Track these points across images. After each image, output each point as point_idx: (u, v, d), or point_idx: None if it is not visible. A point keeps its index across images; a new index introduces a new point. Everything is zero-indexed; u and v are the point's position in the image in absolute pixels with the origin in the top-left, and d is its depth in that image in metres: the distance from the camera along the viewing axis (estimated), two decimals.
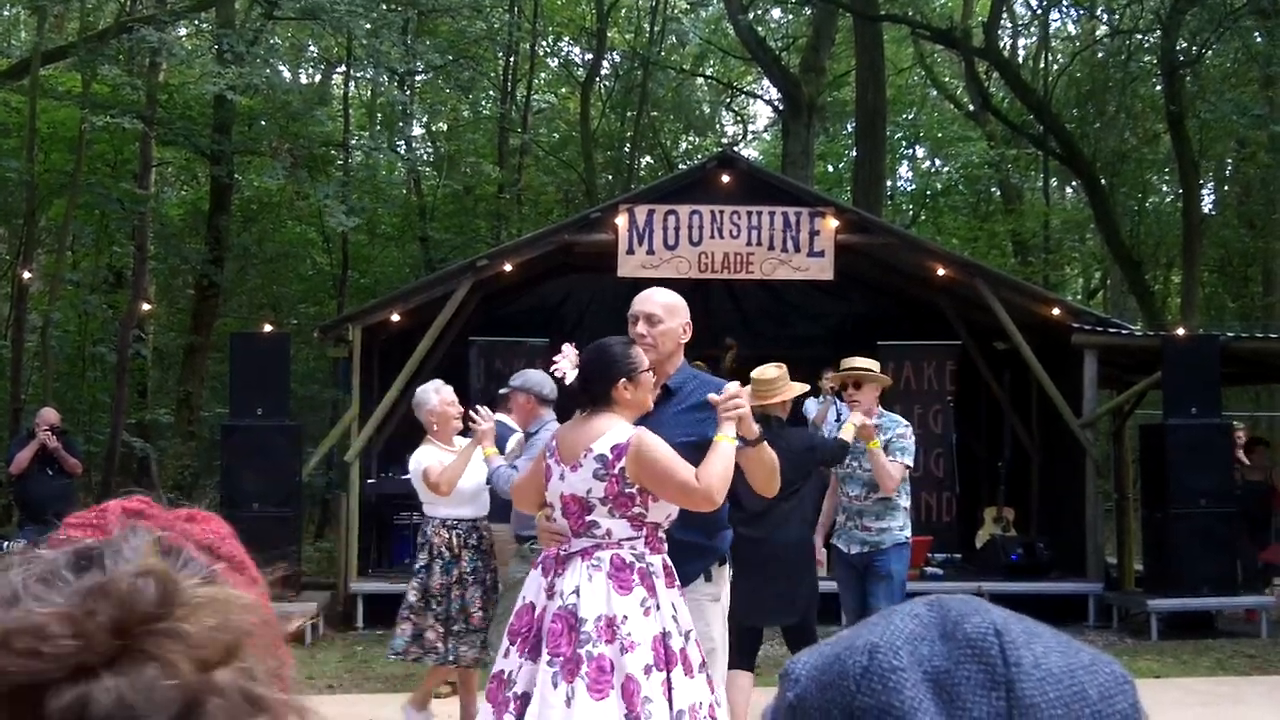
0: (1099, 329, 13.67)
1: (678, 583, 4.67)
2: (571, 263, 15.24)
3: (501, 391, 8.33)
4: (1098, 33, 29.88)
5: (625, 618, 4.39)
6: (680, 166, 24.60)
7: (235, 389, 12.97)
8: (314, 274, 26.30)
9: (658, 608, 4.47)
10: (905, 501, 7.64)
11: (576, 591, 4.45)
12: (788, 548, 7.23)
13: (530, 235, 15.18)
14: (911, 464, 7.70)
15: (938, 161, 34.21)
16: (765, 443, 4.87)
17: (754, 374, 7.46)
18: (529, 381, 7.61)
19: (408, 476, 8.02)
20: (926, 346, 15.21)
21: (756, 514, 6.90)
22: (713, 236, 13.65)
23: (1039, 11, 30.27)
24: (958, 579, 13.18)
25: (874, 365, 7.96)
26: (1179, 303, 25.92)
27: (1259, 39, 22.44)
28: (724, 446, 4.57)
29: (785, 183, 15.12)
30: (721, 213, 13.66)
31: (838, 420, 13.49)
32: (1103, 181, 25.22)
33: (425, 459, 7.55)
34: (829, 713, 0.96)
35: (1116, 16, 28.24)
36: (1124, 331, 14.15)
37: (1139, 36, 26.55)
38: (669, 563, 4.65)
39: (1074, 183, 29.90)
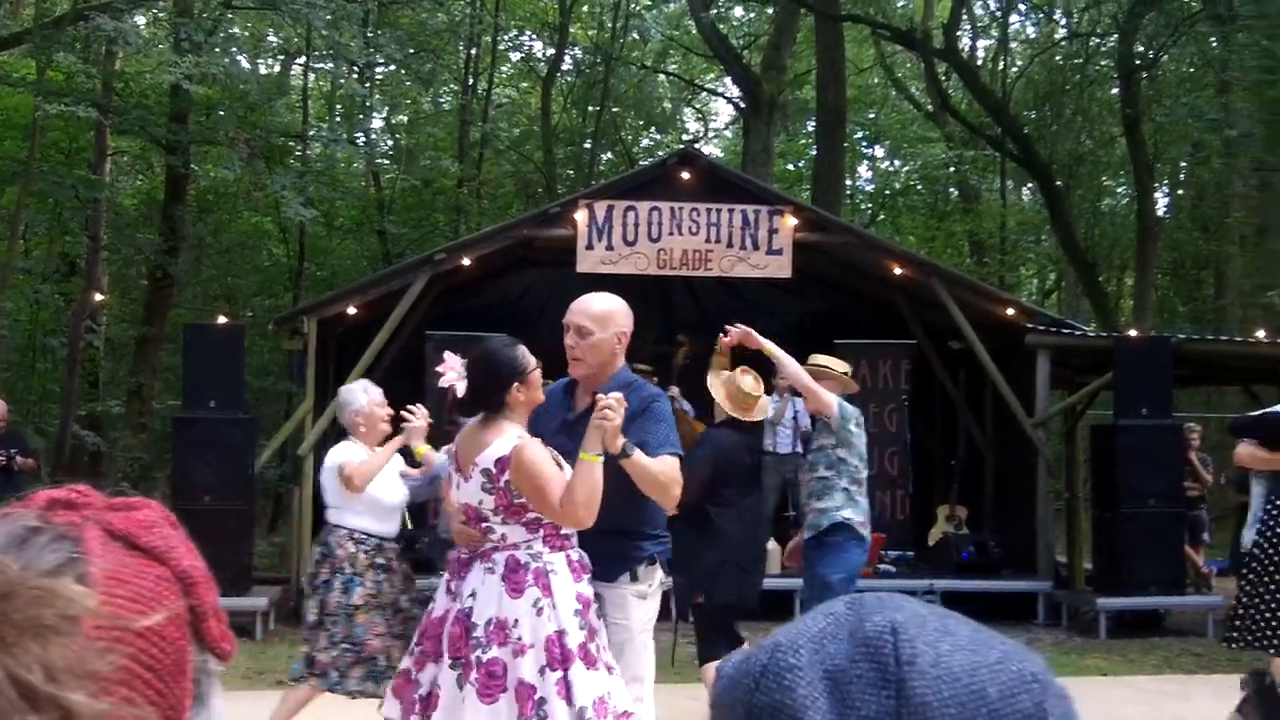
0: (1052, 329, 13.75)
1: (587, 575, 4.64)
2: (531, 258, 15.22)
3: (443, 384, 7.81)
4: (1056, 36, 30.06)
5: (516, 621, 4.38)
6: (641, 163, 24.59)
7: (188, 381, 12.86)
8: (270, 266, 26.16)
9: (554, 606, 4.43)
10: (844, 482, 7.52)
11: (474, 595, 4.47)
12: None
13: (489, 229, 15.15)
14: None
15: (897, 161, 34.36)
16: (634, 455, 4.64)
17: (732, 380, 7.54)
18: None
19: None
20: (883, 345, 15.26)
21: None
22: (672, 233, 13.65)
23: (998, 14, 30.46)
24: (911, 576, 13.24)
25: (835, 364, 7.91)
26: (1132, 304, 26.12)
27: (1214, 44, 22.62)
28: (584, 464, 4.42)
29: (745, 180, 15.13)
30: (681, 209, 13.66)
31: (794, 418, 13.59)
32: (1059, 183, 25.39)
33: (345, 453, 6.94)
34: (733, 710, 0.97)
35: (1075, 20, 28.46)
36: (1077, 332, 14.23)
37: (1097, 40, 26.74)
38: (576, 556, 4.63)
39: (1030, 184, 30.04)
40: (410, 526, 7.70)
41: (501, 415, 4.65)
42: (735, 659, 1.00)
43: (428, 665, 4.47)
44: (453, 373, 4.73)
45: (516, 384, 4.65)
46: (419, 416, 6.71)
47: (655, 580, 5.08)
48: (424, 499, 7.61)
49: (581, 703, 4.31)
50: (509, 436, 4.57)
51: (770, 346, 7.43)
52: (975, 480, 15.35)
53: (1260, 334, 14.36)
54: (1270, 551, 6.90)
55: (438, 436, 7.28)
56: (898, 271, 14.17)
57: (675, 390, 13.35)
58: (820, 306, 16.21)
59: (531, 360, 4.74)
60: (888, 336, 15.33)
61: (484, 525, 4.57)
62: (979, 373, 14.41)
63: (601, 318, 4.98)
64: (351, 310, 13.76)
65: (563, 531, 4.59)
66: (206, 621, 1.00)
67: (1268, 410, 7.51)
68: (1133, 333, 14.59)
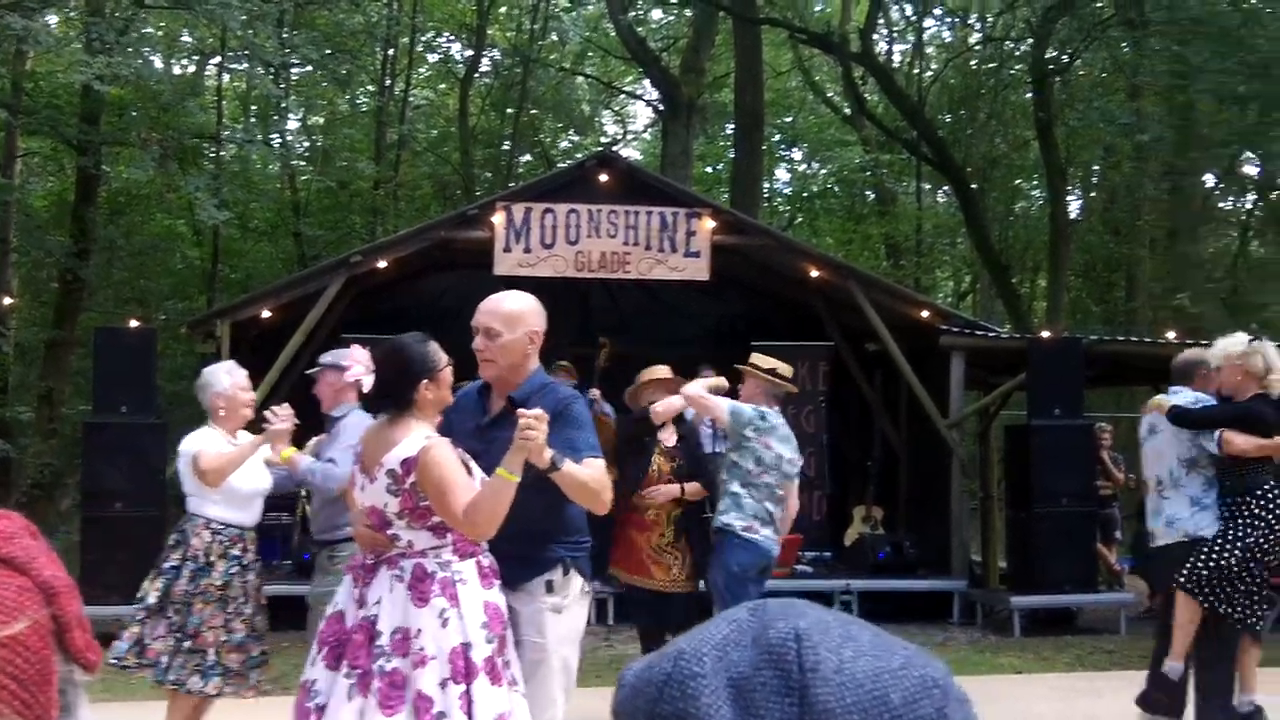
0: (967, 331, 13.87)
1: (498, 583, 4.52)
2: (448, 260, 15.15)
3: (309, 371, 7.23)
4: (971, 40, 30.36)
5: (419, 631, 4.26)
6: (559, 165, 24.58)
7: (99, 385, 12.68)
8: (183, 268, 25.85)
9: (460, 617, 4.32)
10: (734, 485, 7.51)
11: (379, 602, 4.33)
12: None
13: (406, 231, 15.08)
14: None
15: (814, 164, 34.53)
16: (564, 467, 4.51)
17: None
18: (341, 359, 6.64)
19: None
20: (800, 347, 15.30)
21: None
22: (590, 235, 13.64)
23: (914, 18, 30.69)
24: (828, 577, 13.31)
25: (766, 363, 7.89)
26: (1045, 306, 26.42)
27: (1126, 49, 22.90)
28: (500, 481, 4.26)
29: (663, 183, 15.16)
30: (599, 212, 13.66)
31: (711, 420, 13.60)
32: (973, 186, 25.62)
33: (200, 442, 6.63)
34: (635, 718, 0.97)
35: (989, 25, 28.75)
36: (991, 334, 14.38)
37: (1011, 45, 27.02)
38: (487, 562, 4.54)
39: (946, 187, 30.30)
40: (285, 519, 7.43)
41: (409, 414, 4.50)
42: (636, 667, 1.00)
43: (327, 675, 4.33)
44: (360, 366, 4.61)
45: (425, 381, 4.51)
46: (281, 418, 6.46)
47: (574, 590, 4.91)
48: (289, 489, 7.41)
49: (482, 718, 4.20)
50: (416, 436, 4.43)
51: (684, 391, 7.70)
52: (891, 481, 15.47)
53: (1170, 335, 14.56)
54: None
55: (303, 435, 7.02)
56: (815, 274, 14.24)
57: (596, 393, 13.34)
58: (738, 309, 16.28)
59: (443, 358, 4.62)
60: (805, 338, 15.39)
61: (389, 531, 4.42)
62: (895, 374, 14.52)
63: (511, 318, 4.87)
64: (266, 313, 13.64)
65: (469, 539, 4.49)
66: (70, 632, 0.99)
67: (1204, 402, 7.53)
68: (1045, 334, 14.74)
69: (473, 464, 4.52)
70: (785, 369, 7.74)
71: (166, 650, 6.48)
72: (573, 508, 4.79)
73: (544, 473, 4.44)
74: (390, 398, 4.55)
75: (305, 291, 13.66)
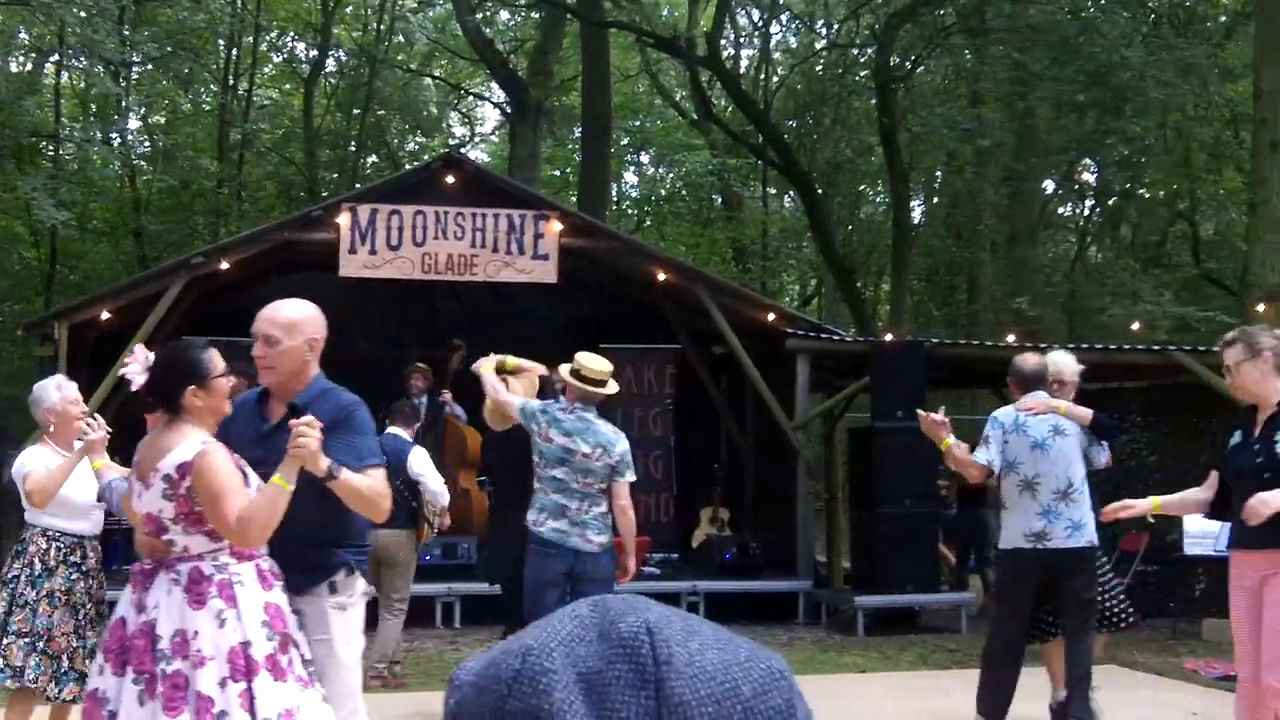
0: (812, 335, 14.03)
1: (279, 583, 4.55)
2: (292, 261, 14.96)
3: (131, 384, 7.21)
4: (816, 46, 30.72)
5: (196, 633, 4.27)
6: (407, 166, 24.39)
7: None
8: (20, 269, 25.22)
9: (239, 618, 4.32)
10: (535, 482, 7.55)
11: (157, 606, 4.33)
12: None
13: (249, 232, 14.88)
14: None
15: (662, 168, 34.68)
16: (342, 476, 4.55)
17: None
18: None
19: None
20: (648, 350, 15.40)
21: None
22: (437, 237, 13.56)
23: (761, 24, 30.97)
24: (675, 578, 13.37)
25: (590, 364, 7.88)
26: (889, 310, 26.80)
27: (968, 56, 23.35)
28: (275, 489, 4.32)
29: (510, 185, 15.13)
30: (446, 214, 13.58)
31: None
32: (819, 191, 25.94)
33: (30, 461, 6.64)
34: (482, 718, 0.95)
35: (834, 31, 29.13)
36: (835, 337, 14.55)
37: (855, 51, 27.40)
38: (267, 565, 4.53)
39: (791, 192, 30.64)
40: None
41: (182, 419, 4.49)
42: (474, 666, 0.98)
43: (113, 680, 4.31)
44: (136, 365, 4.53)
45: (194, 387, 4.49)
46: (96, 428, 6.36)
47: (356, 590, 4.99)
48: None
49: (265, 715, 4.21)
50: (192, 442, 4.42)
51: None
52: (738, 483, 15.60)
53: (1010, 338, 14.87)
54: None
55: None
56: (662, 277, 14.31)
57: (447, 395, 13.29)
58: (586, 311, 16.30)
59: (219, 367, 4.59)
60: (652, 341, 15.48)
61: (164, 537, 4.40)
62: (741, 377, 14.63)
63: (290, 325, 4.89)
64: (105, 315, 13.36)
65: None
66: None
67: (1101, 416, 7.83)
68: (888, 337, 14.97)
69: (250, 471, 4.52)
70: (594, 370, 7.65)
71: (15, 655, 6.45)
72: (355, 514, 4.83)
73: (322, 481, 4.47)
74: (157, 399, 4.54)
75: (145, 293, 13.40)
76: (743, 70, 31.23)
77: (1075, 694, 7.71)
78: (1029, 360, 8.08)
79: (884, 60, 23.52)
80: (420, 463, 9.38)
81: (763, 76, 30.61)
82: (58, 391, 6.87)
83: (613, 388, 7.79)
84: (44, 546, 6.62)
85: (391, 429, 9.56)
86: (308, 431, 4.32)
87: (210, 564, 4.38)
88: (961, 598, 13.54)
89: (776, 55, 32.45)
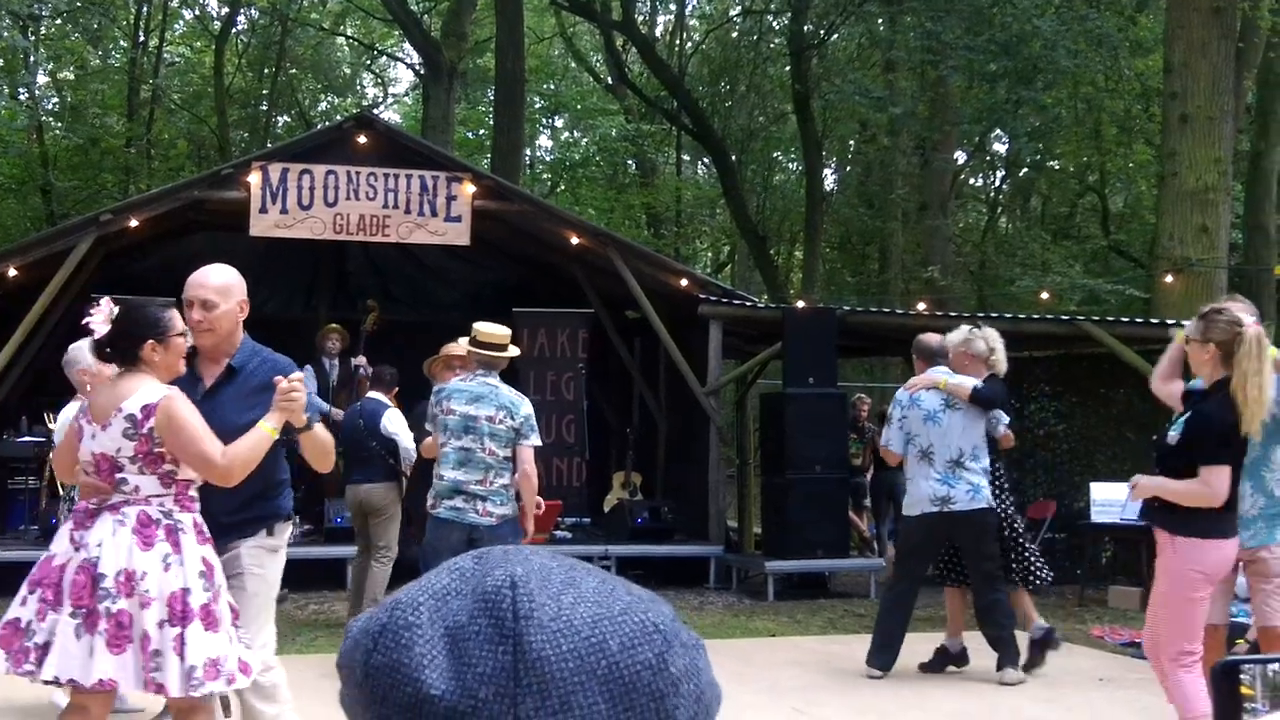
0: (725, 300, 14.04)
1: (210, 540, 4.74)
2: (202, 220, 14.75)
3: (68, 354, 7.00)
4: (731, 12, 30.73)
5: (145, 574, 4.44)
6: (319, 126, 24.14)
7: None
8: None
9: (181, 564, 4.52)
10: (436, 466, 7.74)
11: (100, 545, 4.47)
12: None
13: (159, 190, 14.62)
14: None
15: (576, 133, 34.61)
16: (315, 429, 5.02)
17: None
18: (85, 356, 6.90)
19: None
20: (561, 314, 15.35)
21: None
22: (349, 198, 13.42)
23: None
24: (586, 542, 13.37)
25: (486, 333, 7.88)
26: (801, 277, 26.95)
27: (881, 24, 23.45)
28: (260, 432, 4.70)
29: (423, 146, 14.98)
30: (358, 174, 13.44)
31: None
32: (732, 158, 25.98)
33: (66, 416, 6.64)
34: (352, 671, 0.96)
35: None
36: (748, 303, 14.57)
37: (770, 18, 27.43)
38: (200, 521, 4.71)
39: (706, 159, 30.68)
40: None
41: (139, 370, 4.68)
42: (362, 618, 0.98)
43: (48, 614, 4.45)
44: (100, 315, 4.68)
45: (153, 342, 4.68)
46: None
47: (287, 535, 5.37)
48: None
49: (193, 661, 4.41)
50: (154, 387, 4.62)
51: None
52: (650, 447, 15.60)
53: (921, 306, 14.98)
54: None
55: None
56: (576, 241, 14.25)
57: (362, 359, 13.16)
58: (499, 275, 16.25)
59: (178, 325, 4.80)
60: (566, 305, 15.44)
61: (118, 476, 4.58)
62: (654, 342, 14.62)
63: (223, 289, 5.11)
64: (12, 272, 13.09)
65: (190, 493, 4.69)
66: None
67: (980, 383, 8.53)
68: (800, 304, 15.01)
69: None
70: (491, 335, 7.74)
71: None
72: (278, 463, 5.20)
73: (297, 432, 4.92)
74: (115, 350, 4.73)
75: (52, 250, 13.14)
76: (658, 35, 31.19)
77: (1004, 656, 8.40)
78: (931, 338, 8.96)
79: (798, 27, 23.58)
80: (394, 422, 9.72)
81: (678, 42, 30.60)
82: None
83: (513, 351, 7.94)
84: None
85: (372, 393, 10.11)
86: (299, 387, 4.78)
87: (157, 508, 4.58)
88: (871, 563, 13.64)
89: (692, 21, 32.46)
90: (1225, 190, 14.71)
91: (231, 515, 4.98)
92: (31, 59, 23.91)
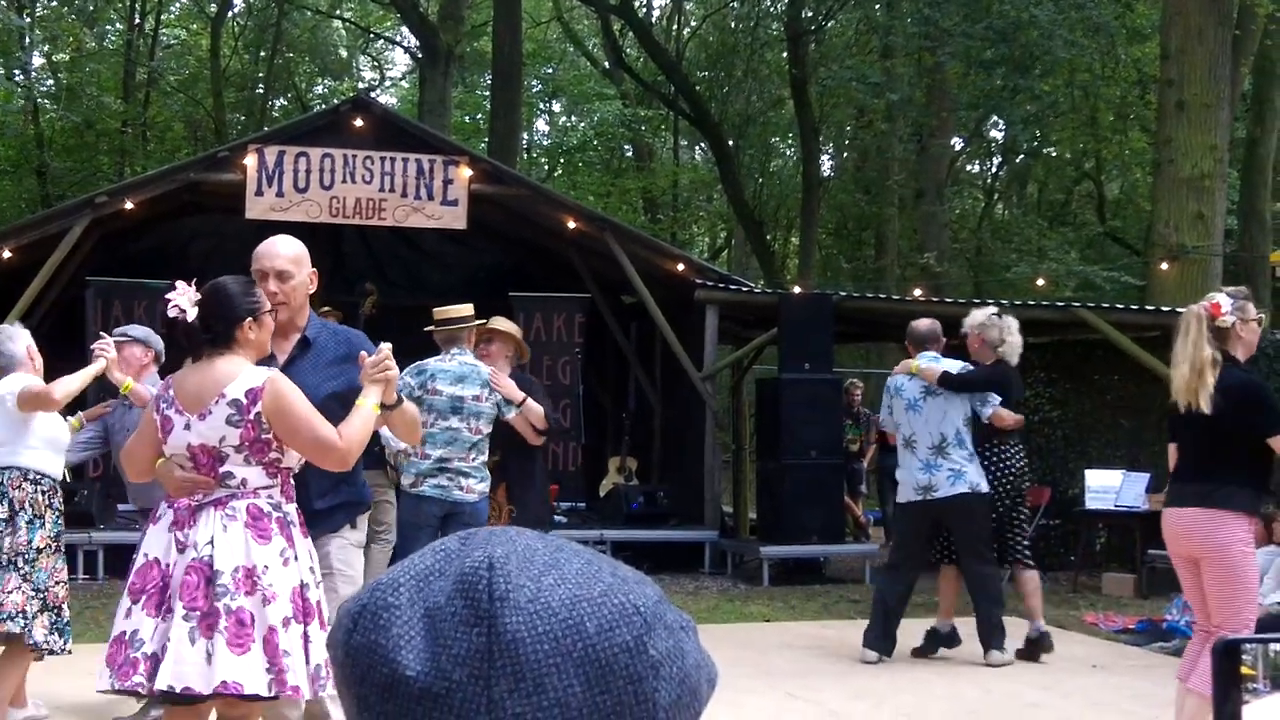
0: (721, 286, 14.03)
1: (309, 533, 4.50)
2: (198, 203, 14.75)
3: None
4: None
5: (266, 568, 4.17)
6: (315, 109, 24.11)
7: None
8: None
9: (296, 558, 4.28)
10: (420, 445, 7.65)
11: (211, 543, 4.18)
12: None
13: (154, 172, 14.62)
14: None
15: (573, 117, 34.55)
16: (405, 403, 4.78)
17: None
18: (152, 336, 6.86)
19: None
20: (557, 298, 15.35)
21: None
22: (345, 181, 13.40)
23: None
24: (582, 527, 13.39)
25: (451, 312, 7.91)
26: (797, 263, 26.94)
27: (879, 10, 23.41)
28: (367, 410, 4.42)
29: (419, 129, 14.97)
30: (354, 157, 13.43)
31: None
32: (729, 143, 25.95)
33: (20, 381, 6.24)
34: (334, 651, 0.97)
35: None
36: (744, 289, 14.57)
37: (767, 3, 27.37)
38: (298, 513, 4.48)
39: (702, 144, 30.65)
40: (69, 479, 7.23)
41: (233, 352, 4.35)
42: (352, 598, 0.99)
43: (155, 625, 4.14)
44: (185, 299, 4.34)
45: (250, 320, 4.38)
46: (109, 346, 6.22)
47: (365, 530, 5.15)
48: (80, 460, 7.15)
49: (317, 660, 4.17)
50: (254, 370, 4.33)
51: None
52: (646, 432, 15.61)
53: (917, 292, 14.98)
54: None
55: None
56: (572, 225, 14.25)
57: None
58: (495, 259, 16.24)
59: (266, 301, 4.52)
60: (562, 289, 15.43)
61: (221, 469, 4.27)
62: (650, 327, 14.62)
63: (297, 259, 4.89)
64: (6, 254, 13.08)
65: (291, 482, 4.42)
66: None
67: (965, 367, 8.68)
68: (796, 290, 15.01)
69: None
70: (444, 311, 7.83)
71: (24, 604, 6.08)
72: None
73: (389, 408, 4.59)
74: (212, 333, 4.35)
75: (46, 232, 13.13)
76: (655, 20, 31.14)
77: (991, 638, 8.47)
78: (923, 323, 9.01)
79: (796, 12, 23.55)
80: None
81: (675, 26, 30.55)
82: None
83: (469, 309, 7.90)
84: (30, 492, 6.24)
85: None
86: (390, 360, 4.50)
87: (266, 500, 4.30)
88: (866, 549, 13.66)
89: (689, 5, 32.37)
90: (1221, 177, 14.70)
91: (324, 500, 4.78)
92: (27, 40, 23.86)
